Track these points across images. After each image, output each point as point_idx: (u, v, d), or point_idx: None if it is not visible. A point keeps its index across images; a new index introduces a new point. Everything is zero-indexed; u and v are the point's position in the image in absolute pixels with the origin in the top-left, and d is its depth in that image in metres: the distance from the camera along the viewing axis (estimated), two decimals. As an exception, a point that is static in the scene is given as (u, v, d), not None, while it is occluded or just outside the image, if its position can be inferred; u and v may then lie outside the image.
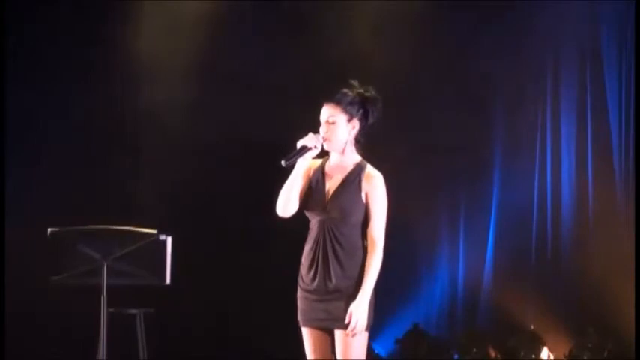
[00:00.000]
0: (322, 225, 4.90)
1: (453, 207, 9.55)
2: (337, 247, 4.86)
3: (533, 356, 9.02)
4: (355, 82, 4.98)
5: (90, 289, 6.95)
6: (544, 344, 9.05)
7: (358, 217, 4.89)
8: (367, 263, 4.84)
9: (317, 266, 4.88)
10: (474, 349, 9.16)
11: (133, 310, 7.62)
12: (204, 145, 9.41)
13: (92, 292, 6.92)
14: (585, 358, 8.88)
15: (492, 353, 9.15)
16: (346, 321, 4.77)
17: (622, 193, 9.13)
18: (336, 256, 4.86)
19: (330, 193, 4.91)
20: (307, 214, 4.98)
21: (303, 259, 4.97)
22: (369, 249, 4.86)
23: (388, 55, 9.20)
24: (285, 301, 9.43)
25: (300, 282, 4.96)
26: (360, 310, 4.77)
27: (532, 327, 9.15)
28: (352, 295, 4.82)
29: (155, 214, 8.50)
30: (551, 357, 9.00)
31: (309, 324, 4.92)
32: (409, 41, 9.25)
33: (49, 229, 6.96)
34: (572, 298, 9.13)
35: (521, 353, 9.04)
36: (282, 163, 4.86)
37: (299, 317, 4.96)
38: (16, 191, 8.85)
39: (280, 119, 9.28)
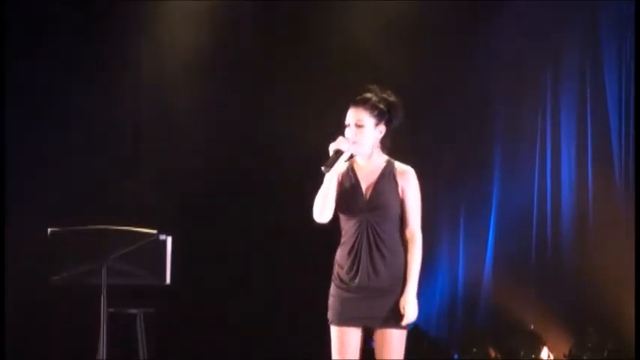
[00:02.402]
0: (363, 224, 4.94)
1: (453, 207, 9.55)
2: (380, 244, 4.92)
3: (533, 356, 9.01)
4: (374, 87, 5.04)
5: (90, 289, 6.95)
6: (544, 344, 9.04)
7: (397, 212, 4.96)
8: (410, 257, 4.93)
9: (359, 265, 4.91)
10: (474, 349, 9.15)
11: (133, 310, 7.62)
12: (204, 145, 9.42)
13: (92, 292, 6.92)
14: (585, 358, 8.88)
15: (492, 353, 9.14)
16: (404, 318, 4.85)
17: (622, 193, 9.12)
18: (381, 254, 4.91)
19: (369, 191, 4.97)
20: (345, 216, 5.00)
21: (339, 260, 4.99)
22: (411, 243, 4.95)
23: (388, 56, 9.20)
24: (285, 301, 9.46)
25: (336, 282, 4.98)
26: (411, 306, 4.87)
27: (532, 327, 9.15)
28: (397, 292, 4.89)
29: (155, 214, 8.50)
30: (551, 357, 9.00)
31: (348, 323, 4.93)
32: (409, 42, 9.25)
33: (49, 229, 6.96)
34: (572, 298, 9.12)
35: (521, 353, 9.04)
36: (323, 169, 4.91)
37: (332, 316, 4.97)
38: (16, 191, 8.85)
39: (281, 119, 9.30)
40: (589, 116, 9.31)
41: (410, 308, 4.87)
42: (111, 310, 7.04)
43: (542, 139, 9.45)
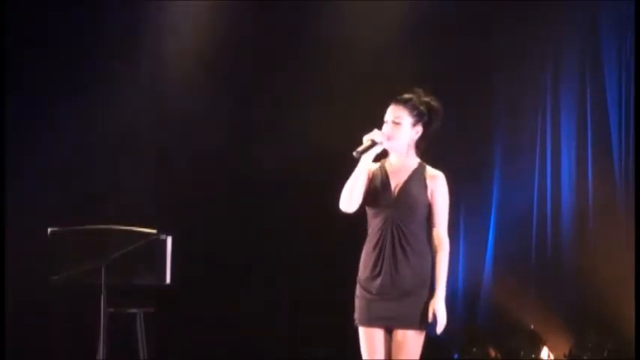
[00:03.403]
0: (388, 221, 4.99)
1: (453, 207, 9.52)
2: (404, 243, 4.96)
3: (533, 356, 9.01)
4: (420, 91, 5.13)
5: (90, 289, 6.95)
6: (544, 344, 9.04)
7: (424, 214, 5.02)
8: (438, 263, 4.98)
9: (382, 264, 4.97)
10: (474, 349, 9.15)
11: (133, 310, 7.62)
12: (204, 144, 9.41)
13: (92, 292, 6.92)
14: (585, 358, 8.88)
15: (492, 353, 9.14)
16: (430, 320, 4.94)
17: (622, 193, 9.12)
18: (404, 252, 4.95)
19: (397, 188, 5.03)
20: (372, 210, 5.05)
21: (363, 258, 5.05)
22: (439, 247, 5.00)
23: (387, 56, 9.20)
24: (286, 301, 9.45)
25: (361, 282, 5.03)
26: (442, 309, 4.94)
27: (532, 327, 9.15)
28: (419, 294, 4.93)
29: (155, 214, 8.49)
30: (551, 357, 9.00)
31: (371, 323, 4.98)
32: (408, 42, 9.26)
33: (49, 229, 6.96)
34: (572, 298, 9.12)
35: (521, 353, 9.04)
36: (354, 154, 4.98)
37: (359, 317, 5.03)
38: (16, 191, 8.85)
39: (281, 119, 9.30)
40: (589, 116, 9.31)
41: (442, 315, 4.93)
42: (111, 310, 7.04)
43: (542, 139, 9.44)
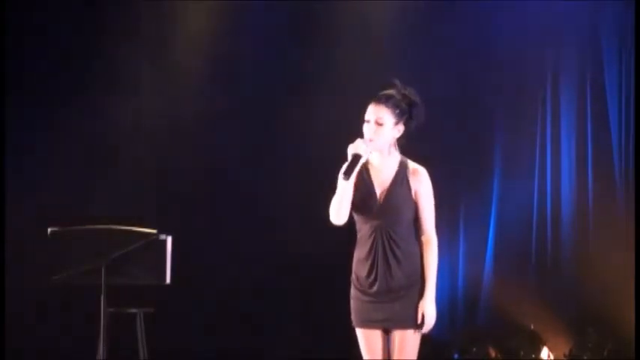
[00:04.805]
0: (377, 229, 4.94)
1: (453, 207, 9.54)
2: (395, 248, 4.91)
3: (533, 356, 9.02)
4: (398, 83, 5.02)
5: (90, 289, 6.95)
6: (544, 344, 9.05)
7: (410, 215, 4.96)
8: (427, 263, 4.94)
9: (377, 271, 4.92)
10: (474, 349, 9.16)
11: (133, 310, 7.62)
12: (205, 144, 9.41)
13: (92, 292, 6.92)
14: (585, 358, 8.88)
15: (492, 353, 9.15)
16: (419, 321, 4.88)
17: (622, 193, 9.12)
18: (396, 258, 4.91)
19: (383, 196, 4.96)
20: (360, 217, 5.00)
21: (356, 264, 5.00)
22: (426, 245, 4.95)
23: (387, 55, 9.20)
24: (286, 301, 9.45)
25: (356, 284, 5.00)
26: (430, 309, 4.89)
27: (532, 327, 9.15)
28: (412, 294, 4.91)
29: (155, 214, 8.49)
30: (551, 357, 9.01)
31: (368, 325, 4.97)
32: (409, 41, 9.25)
33: (49, 229, 6.96)
34: (572, 298, 9.12)
35: (521, 353, 9.04)
36: (343, 177, 4.85)
37: (355, 319, 5.01)
38: (16, 191, 8.85)
39: (281, 120, 9.30)
40: (589, 116, 9.31)
41: (431, 312, 4.90)
42: (111, 310, 7.05)
43: (542, 138, 9.45)
